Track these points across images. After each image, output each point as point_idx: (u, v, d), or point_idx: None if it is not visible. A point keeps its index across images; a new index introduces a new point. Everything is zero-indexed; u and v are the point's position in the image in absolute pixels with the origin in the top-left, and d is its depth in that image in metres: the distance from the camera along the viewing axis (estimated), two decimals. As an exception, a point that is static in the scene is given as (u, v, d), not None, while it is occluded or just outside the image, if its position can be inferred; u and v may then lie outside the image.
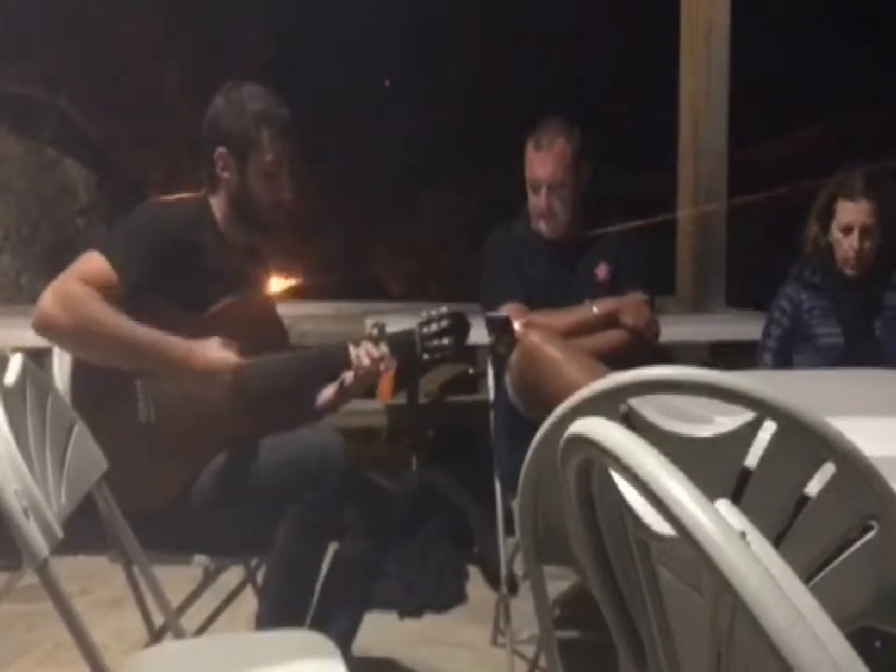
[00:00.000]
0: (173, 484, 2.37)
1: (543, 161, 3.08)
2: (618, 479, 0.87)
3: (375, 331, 2.55)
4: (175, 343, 2.34)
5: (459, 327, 2.60)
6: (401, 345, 2.56)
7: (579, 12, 7.28)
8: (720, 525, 0.65)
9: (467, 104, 7.48)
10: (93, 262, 2.32)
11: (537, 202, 3.12)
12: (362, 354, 2.48)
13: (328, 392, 2.67)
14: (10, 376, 1.69)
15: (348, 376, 2.57)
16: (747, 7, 5.04)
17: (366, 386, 2.61)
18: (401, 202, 7.70)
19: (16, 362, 1.75)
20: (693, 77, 5.09)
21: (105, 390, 2.35)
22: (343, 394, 2.63)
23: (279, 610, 2.34)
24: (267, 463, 2.38)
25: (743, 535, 0.70)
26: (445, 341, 2.58)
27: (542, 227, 3.16)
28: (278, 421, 2.50)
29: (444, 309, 2.60)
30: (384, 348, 2.50)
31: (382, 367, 2.50)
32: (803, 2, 6.72)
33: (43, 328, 2.28)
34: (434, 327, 2.57)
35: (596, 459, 0.86)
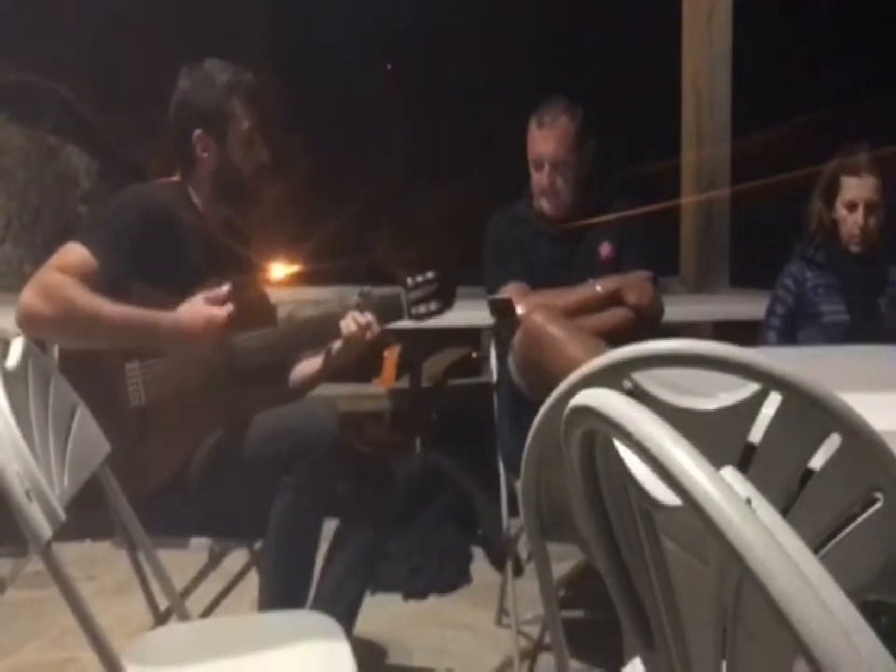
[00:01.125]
0: (168, 467, 2.36)
1: (546, 139, 3.08)
2: (621, 449, 0.86)
3: (361, 298, 2.56)
4: (161, 315, 2.33)
5: (446, 288, 2.62)
6: (389, 311, 2.58)
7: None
8: (725, 491, 0.64)
9: (469, 88, 7.45)
10: (72, 252, 2.32)
11: (539, 179, 3.12)
12: (349, 321, 2.49)
13: (315, 362, 2.67)
14: (12, 360, 1.69)
15: (336, 344, 2.57)
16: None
17: (355, 354, 2.58)
18: (403, 188, 7.68)
19: (17, 346, 1.74)
20: (695, 58, 5.08)
21: (93, 377, 2.34)
22: (331, 362, 2.62)
23: (280, 584, 2.33)
24: (259, 437, 2.37)
25: (748, 501, 0.69)
26: (433, 304, 2.61)
27: (544, 205, 3.15)
28: (270, 395, 2.50)
29: (430, 273, 2.62)
30: (369, 315, 2.51)
31: (368, 334, 2.51)
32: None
33: (25, 320, 2.26)
34: (420, 292, 2.60)
35: (600, 430, 0.85)
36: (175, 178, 2.59)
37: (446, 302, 2.62)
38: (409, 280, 2.61)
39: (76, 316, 2.25)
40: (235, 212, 2.63)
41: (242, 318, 2.46)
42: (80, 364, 2.34)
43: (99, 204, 2.50)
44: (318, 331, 2.57)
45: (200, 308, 2.36)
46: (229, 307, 2.36)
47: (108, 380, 2.36)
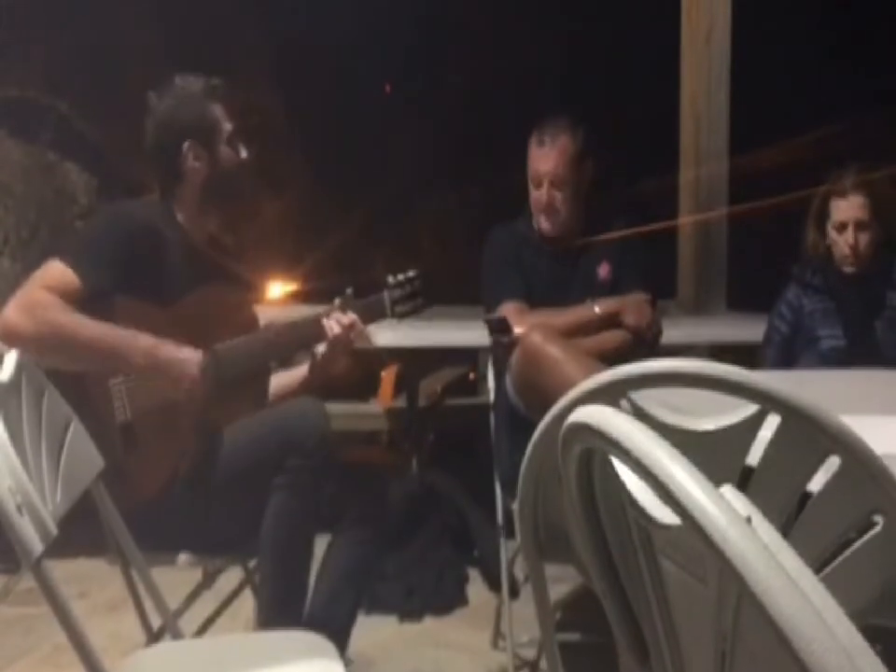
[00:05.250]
0: (156, 480, 2.34)
1: (546, 157, 3.08)
2: (619, 468, 0.85)
3: (343, 299, 2.57)
4: (138, 345, 2.32)
5: (426, 284, 2.65)
6: (372, 311, 2.59)
7: (577, 15, 7.28)
8: (724, 508, 0.63)
9: (467, 107, 7.47)
10: (54, 269, 2.32)
11: (538, 196, 3.12)
12: (332, 322, 2.50)
13: (302, 369, 2.67)
14: (6, 373, 1.68)
15: (320, 348, 2.57)
16: (748, 9, 5.03)
17: (340, 357, 2.58)
18: (402, 204, 7.69)
19: (11, 359, 1.73)
20: (693, 79, 5.09)
21: (79, 394, 2.32)
22: (318, 366, 2.61)
23: (278, 587, 2.32)
24: (247, 440, 2.36)
25: (748, 520, 0.68)
26: (415, 302, 2.63)
27: (543, 222, 3.15)
28: (256, 401, 2.51)
29: (411, 272, 2.64)
30: (352, 315, 2.52)
31: (352, 334, 2.51)
32: (804, 4, 6.71)
33: (6, 337, 2.27)
34: (402, 290, 2.62)
35: (597, 447, 0.84)
36: (156, 196, 2.60)
37: (427, 299, 2.65)
38: (390, 279, 2.63)
39: (56, 335, 2.25)
40: (224, 220, 2.65)
41: (225, 331, 2.47)
42: (66, 381, 2.32)
43: (87, 221, 2.51)
44: (302, 334, 2.57)
45: (178, 353, 2.36)
46: (198, 372, 2.35)
47: (93, 396, 2.36)
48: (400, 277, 2.63)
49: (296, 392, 2.65)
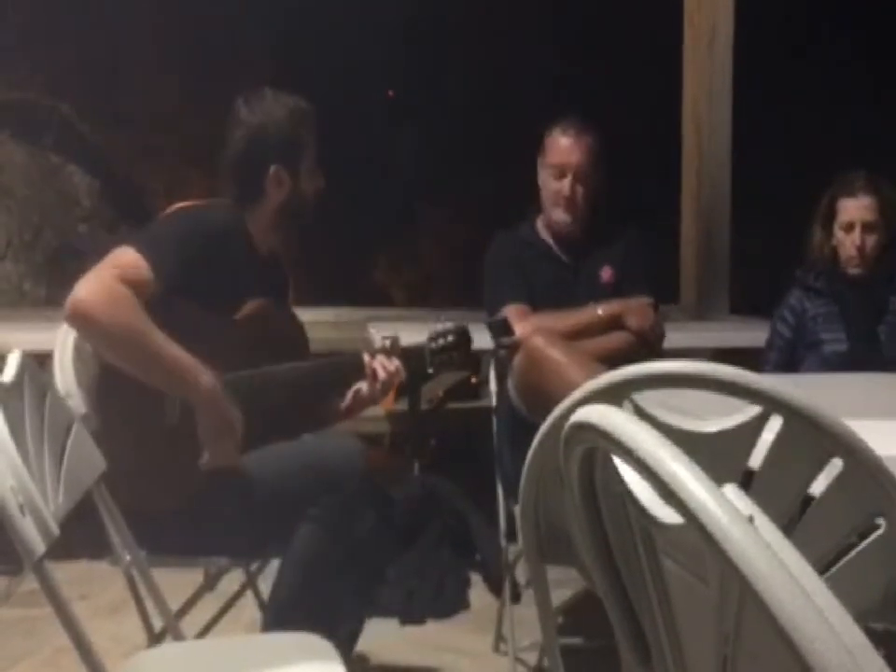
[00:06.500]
0: (188, 485, 2.34)
1: (573, 149, 3.10)
2: (622, 468, 0.85)
3: (388, 343, 2.60)
4: (203, 377, 2.29)
5: (464, 340, 2.67)
6: (412, 360, 2.61)
7: (580, 22, 7.29)
8: (726, 507, 0.63)
9: (469, 114, 7.49)
10: (129, 258, 2.28)
11: (559, 187, 3.11)
12: (378, 366, 2.53)
13: (338, 401, 2.68)
14: (8, 374, 1.68)
15: (364, 386, 2.58)
16: (750, 13, 5.04)
17: (380, 398, 2.61)
18: (403, 210, 7.70)
19: (14, 360, 1.73)
20: (696, 83, 5.09)
21: (134, 391, 2.31)
22: (357, 404, 2.64)
23: (291, 611, 2.31)
24: (285, 467, 2.36)
25: (751, 519, 0.68)
26: (453, 355, 2.65)
27: (560, 214, 3.13)
28: (293, 427, 2.51)
29: (450, 325, 2.67)
30: (397, 361, 2.55)
31: (396, 379, 2.55)
32: (807, 8, 6.72)
33: (79, 319, 2.22)
34: (441, 342, 2.64)
35: (600, 447, 0.84)
36: (230, 203, 2.57)
37: (464, 353, 2.67)
38: (434, 329, 2.66)
39: (128, 338, 2.21)
40: (290, 239, 2.67)
41: (277, 345, 2.50)
42: (123, 376, 2.30)
43: (161, 219, 2.47)
44: (344, 371, 2.59)
45: (230, 412, 2.33)
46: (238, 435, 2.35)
47: (147, 394, 2.32)
48: (439, 328, 2.66)
49: (333, 419, 2.69)
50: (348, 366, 2.59)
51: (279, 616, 2.33)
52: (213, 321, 2.41)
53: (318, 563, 2.33)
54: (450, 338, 2.64)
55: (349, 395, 2.63)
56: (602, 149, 3.14)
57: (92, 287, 2.22)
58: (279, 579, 2.40)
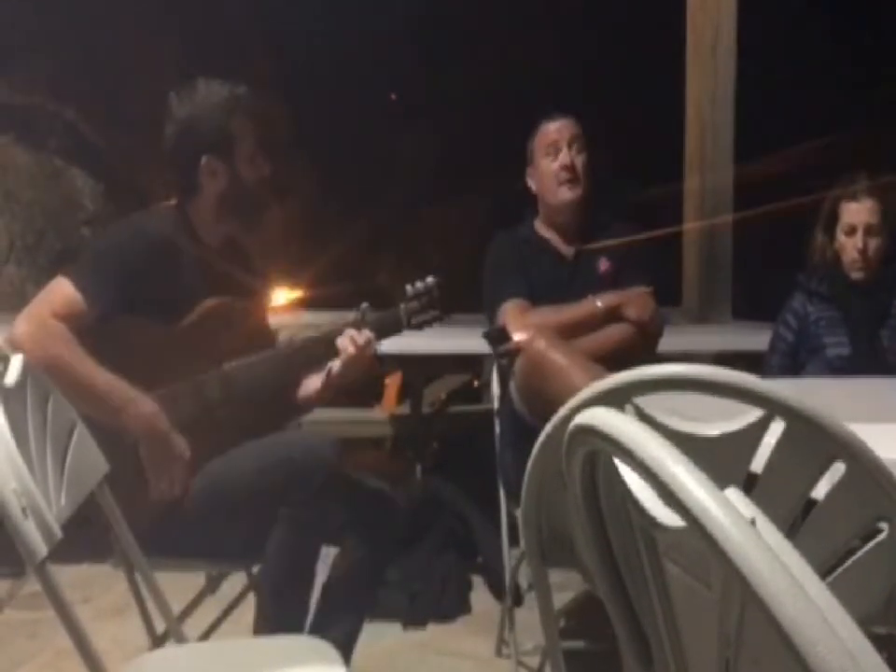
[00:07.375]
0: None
1: (565, 126, 3.20)
2: (624, 471, 0.85)
3: (358, 315, 2.55)
4: (129, 403, 2.28)
5: (437, 286, 2.63)
6: (387, 326, 2.57)
7: (583, 23, 7.29)
8: (728, 510, 0.63)
9: (471, 116, 7.49)
10: (62, 291, 2.30)
11: (562, 159, 3.16)
12: (346, 341, 2.47)
13: (313, 383, 2.64)
14: (11, 376, 1.68)
15: (335, 365, 2.54)
16: (753, 16, 5.04)
17: (355, 374, 2.55)
18: (405, 212, 7.70)
19: (16, 363, 1.73)
20: (699, 86, 5.09)
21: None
22: (331, 383, 2.59)
23: (275, 614, 2.31)
24: (256, 467, 2.33)
25: (753, 522, 0.68)
26: (431, 312, 2.62)
27: (566, 194, 3.15)
28: (270, 418, 2.49)
29: (430, 279, 2.63)
30: (367, 332, 2.49)
31: (367, 351, 2.49)
32: (810, 11, 6.72)
33: (15, 352, 2.25)
34: (419, 301, 2.60)
35: (601, 450, 0.84)
36: (173, 203, 2.56)
37: (445, 307, 2.63)
38: (408, 288, 2.61)
39: (59, 372, 2.18)
40: (242, 229, 2.61)
41: (238, 341, 2.46)
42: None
43: (96, 241, 2.46)
44: (316, 353, 2.54)
45: (172, 441, 2.33)
46: (185, 454, 2.34)
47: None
48: (419, 286, 2.60)
49: (309, 402, 2.66)
50: (319, 345, 2.53)
51: (266, 619, 2.32)
52: (163, 332, 2.38)
53: (294, 562, 2.31)
54: (426, 297, 2.60)
55: (320, 377, 2.61)
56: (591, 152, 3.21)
57: (26, 323, 2.27)
58: (260, 583, 2.39)
